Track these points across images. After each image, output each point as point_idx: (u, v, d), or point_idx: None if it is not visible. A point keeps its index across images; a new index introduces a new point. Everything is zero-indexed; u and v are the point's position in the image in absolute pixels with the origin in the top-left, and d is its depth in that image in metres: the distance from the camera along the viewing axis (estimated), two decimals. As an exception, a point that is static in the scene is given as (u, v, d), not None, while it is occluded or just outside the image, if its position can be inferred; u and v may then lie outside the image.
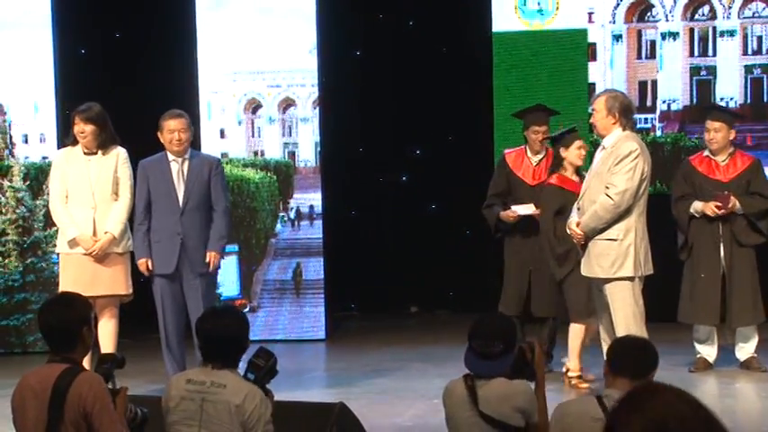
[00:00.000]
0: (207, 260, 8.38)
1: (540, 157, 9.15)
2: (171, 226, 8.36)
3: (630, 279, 7.63)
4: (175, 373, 8.28)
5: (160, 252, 8.39)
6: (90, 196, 8.38)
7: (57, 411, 4.67)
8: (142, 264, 8.40)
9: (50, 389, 4.70)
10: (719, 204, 8.79)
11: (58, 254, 8.69)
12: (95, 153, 8.42)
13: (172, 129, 8.39)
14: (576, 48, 11.06)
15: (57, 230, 8.80)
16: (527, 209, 8.95)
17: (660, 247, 8.93)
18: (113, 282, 8.37)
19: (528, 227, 8.99)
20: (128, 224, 8.49)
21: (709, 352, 9.05)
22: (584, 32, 11.09)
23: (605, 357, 4.92)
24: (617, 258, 7.62)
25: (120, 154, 8.46)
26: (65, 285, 8.28)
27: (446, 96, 11.67)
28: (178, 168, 8.43)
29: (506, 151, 9.36)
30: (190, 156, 8.48)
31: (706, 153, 9.07)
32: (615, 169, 7.59)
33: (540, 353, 5.25)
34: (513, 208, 9.02)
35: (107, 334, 8.33)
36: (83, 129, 8.36)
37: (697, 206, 8.92)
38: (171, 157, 8.44)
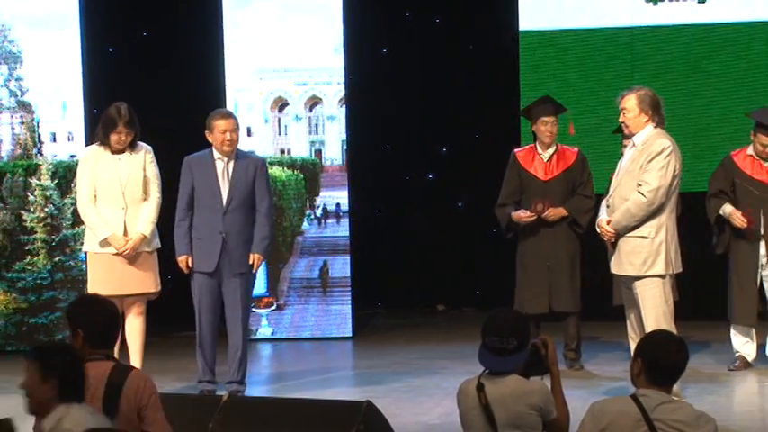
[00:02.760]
0: (250, 261, 8.36)
1: (551, 152, 9.15)
2: (214, 224, 8.31)
3: (662, 277, 7.59)
4: (204, 371, 8.31)
5: (202, 250, 8.32)
6: (120, 197, 8.33)
7: (112, 406, 4.76)
8: (182, 260, 8.33)
9: (104, 384, 4.77)
10: (746, 222, 8.77)
11: (85, 252, 8.68)
12: (123, 151, 8.37)
13: (223, 129, 8.31)
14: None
15: (84, 229, 8.79)
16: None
17: (697, 245, 8.93)
18: (142, 280, 8.36)
19: (542, 222, 9.00)
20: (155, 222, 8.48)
21: (748, 351, 9.01)
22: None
23: (633, 356, 4.88)
24: (648, 256, 7.59)
25: (147, 152, 8.41)
26: (93, 285, 8.26)
27: (473, 94, 11.66)
28: (223, 167, 8.34)
29: (516, 150, 9.36)
30: (236, 155, 8.41)
31: (749, 151, 9.01)
32: (648, 167, 7.55)
33: (553, 348, 5.22)
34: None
35: (134, 332, 8.33)
36: (126, 137, 8.26)
37: (726, 210, 8.89)
38: (217, 155, 8.35)
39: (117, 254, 8.29)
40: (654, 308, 7.55)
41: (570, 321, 9.12)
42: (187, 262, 8.32)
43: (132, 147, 8.36)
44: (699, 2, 10.97)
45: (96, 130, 8.52)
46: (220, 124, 8.32)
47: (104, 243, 8.31)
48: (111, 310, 5.02)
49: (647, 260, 7.59)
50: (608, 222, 7.72)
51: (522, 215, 8.99)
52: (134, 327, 8.35)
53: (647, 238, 7.59)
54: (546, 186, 9.09)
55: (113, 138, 8.28)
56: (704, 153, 10.51)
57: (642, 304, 7.59)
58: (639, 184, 7.56)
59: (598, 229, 7.86)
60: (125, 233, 8.31)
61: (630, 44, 11.03)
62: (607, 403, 4.78)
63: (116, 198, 8.33)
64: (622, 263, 7.68)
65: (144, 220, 8.35)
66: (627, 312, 7.86)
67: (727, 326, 9.11)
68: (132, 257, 8.31)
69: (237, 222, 8.35)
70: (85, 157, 8.50)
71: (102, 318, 4.96)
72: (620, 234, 7.66)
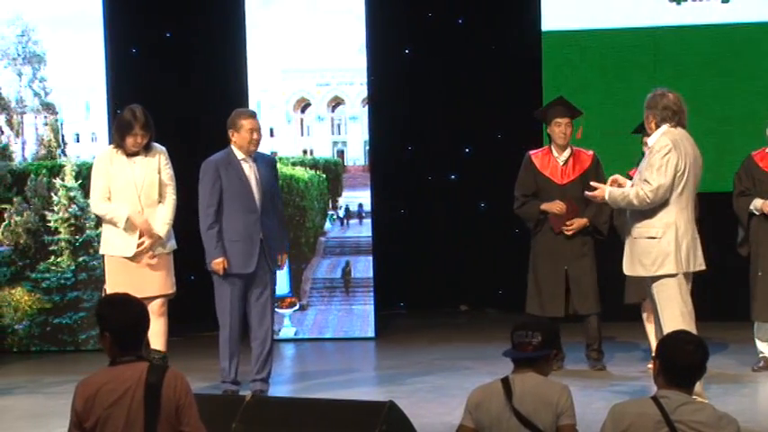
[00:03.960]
0: (279, 261, 8.46)
1: (566, 155, 9.14)
2: (250, 226, 8.27)
3: (673, 276, 7.54)
4: (230, 372, 8.33)
5: (239, 252, 8.26)
6: (136, 200, 8.26)
7: (154, 407, 4.78)
8: (219, 263, 8.23)
9: (143, 386, 4.79)
10: None
11: (102, 255, 8.61)
12: (137, 154, 8.28)
13: (250, 128, 8.28)
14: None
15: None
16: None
17: (719, 246, 8.90)
18: (161, 283, 8.34)
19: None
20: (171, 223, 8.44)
21: (771, 351, 9.00)
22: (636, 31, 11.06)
23: (654, 357, 4.87)
24: (658, 256, 7.55)
25: (162, 154, 8.34)
26: (112, 288, 8.20)
27: (495, 95, 11.65)
28: (249, 167, 8.33)
29: (531, 152, 9.33)
30: (255, 155, 8.44)
31: None
32: (649, 165, 7.56)
33: None
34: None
35: (156, 332, 8.32)
36: (142, 140, 8.22)
37: (757, 203, 8.91)
38: (240, 155, 8.31)
39: (131, 258, 8.24)
40: (670, 309, 7.50)
41: (591, 322, 9.11)
42: (224, 264, 8.29)
43: (147, 148, 8.30)
44: (722, 2, 10.95)
45: (111, 133, 8.48)
46: (248, 123, 8.30)
47: (127, 228, 8.18)
48: (138, 311, 4.96)
49: (656, 260, 7.55)
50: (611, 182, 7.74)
51: (556, 205, 8.98)
52: (155, 328, 8.31)
53: (654, 238, 7.56)
54: (563, 190, 9.09)
55: (129, 141, 8.22)
56: (727, 153, 10.47)
57: (659, 306, 7.54)
58: (645, 182, 7.56)
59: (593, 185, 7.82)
60: (140, 236, 8.28)
61: (654, 44, 11.01)
62: (627, 405, 4.77)
63: (132, 201, 8.26)
64: (634, 264, 7.66)
65: (160, 221, 8.31)
66: (653, 315, 7.84)
67: (751, 327, 9.08)
68: (149, 260, 8.29)
69: (269, 222, 8.37)
70: (100, 160, 8.40)
71: (130, 320, 4.92)
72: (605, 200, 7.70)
